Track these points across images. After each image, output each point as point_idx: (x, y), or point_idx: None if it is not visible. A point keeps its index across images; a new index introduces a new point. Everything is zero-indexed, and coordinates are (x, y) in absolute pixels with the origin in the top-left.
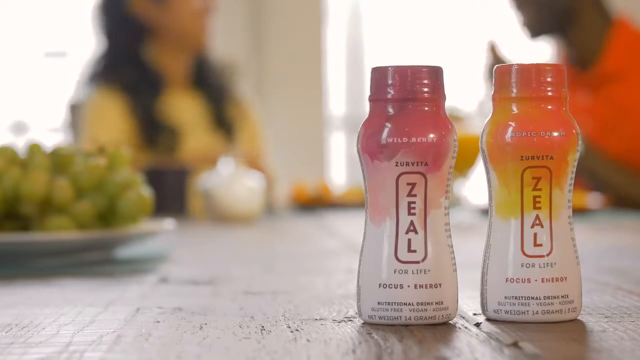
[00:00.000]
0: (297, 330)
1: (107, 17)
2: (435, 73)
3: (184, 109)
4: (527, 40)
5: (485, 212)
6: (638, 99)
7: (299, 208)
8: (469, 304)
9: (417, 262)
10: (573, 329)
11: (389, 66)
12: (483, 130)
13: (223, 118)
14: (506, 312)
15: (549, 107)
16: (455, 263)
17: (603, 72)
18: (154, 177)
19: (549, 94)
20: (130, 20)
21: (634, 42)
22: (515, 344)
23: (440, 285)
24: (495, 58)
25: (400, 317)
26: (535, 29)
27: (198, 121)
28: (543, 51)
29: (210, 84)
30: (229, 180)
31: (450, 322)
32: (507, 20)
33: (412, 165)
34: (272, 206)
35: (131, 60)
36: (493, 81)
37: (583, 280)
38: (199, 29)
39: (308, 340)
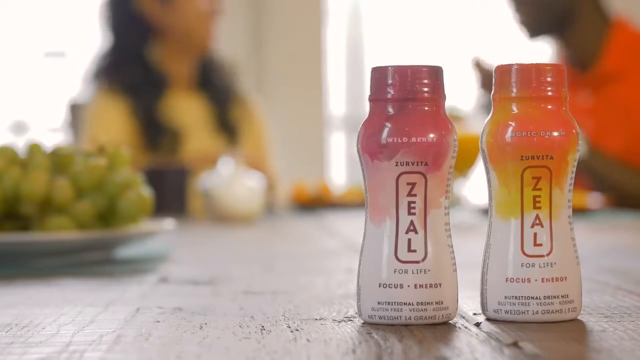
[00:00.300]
0: (297, 330)
1: (114, 13)
2: (435, 73)
3: (186, 111)
4: (525, 40)
5: (485, 212)
6: (638, 99)
7: (299, 208)
8: (469, 303)
9: (417, 262)
10: (573, 328)
11: (389, 66)
12: (483, 130)
13: (226, 121)
14: (506, 312)
15: (549, 107)
16: (455, 263)
17: (603, 73)
18: (154, 177)
19: (549, 93)
20: (136, 18)
21: (633, 42)
22: (515, 344)
23: (440, 285)
24: (483, 72)
25: (400, 317)
26: (534, 28)
27: (200, 123)
28: (543, 52)
29: (214, 86)
30: (229, 180)
31: (450, 322)
32: (506, 20)
33: (412, 165)
34: (272, 206)
35: (135, 59)
36: (489, 92)
37: (583, 280)
38: (204, 31)
39: (308, 340)
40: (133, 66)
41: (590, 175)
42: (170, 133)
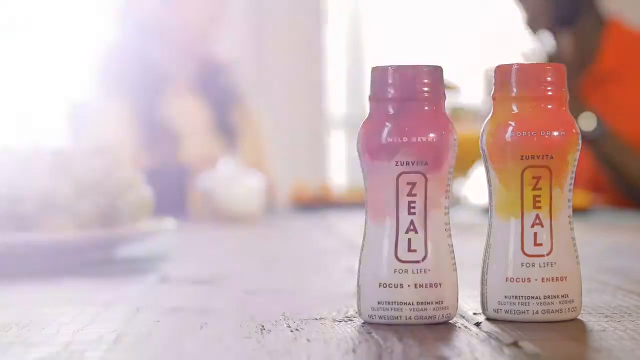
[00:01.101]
0: (297, 329)
1: (120, 9)
2: (435, 73)
3: (185, 113)
4: (527, 34)
5: (485, 211)
6: (634, 98)
7: (299, 208)
8: (469, 303)
9: (417, 262)
10: (573, 328)
11: (389, 66)
12: (483, 129)
13: (226, 124)
14: (506, 311)
15: (549, 106)
16: (455, 263)
17: (599, 72)
18: (154, 177)
19: (549, 93)
20: (141, 16)
21: (629, 42)
22: (515, 344)
23: (440, 284)
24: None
25: (400, 316)
26: (539, 23)
27: (199, 126)
28: (541, 49)
29: (214, 89)
30: (229, 180)
31: (450, 321)
32: (507, 19)
33: (412, 164)
34: (272, 206)
35: (139, 54)
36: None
37: (583, 280)
38: (203, 37)
39: (308, 340)
40: (135, 64)
41: (602, 158)
42: (169, 134)
